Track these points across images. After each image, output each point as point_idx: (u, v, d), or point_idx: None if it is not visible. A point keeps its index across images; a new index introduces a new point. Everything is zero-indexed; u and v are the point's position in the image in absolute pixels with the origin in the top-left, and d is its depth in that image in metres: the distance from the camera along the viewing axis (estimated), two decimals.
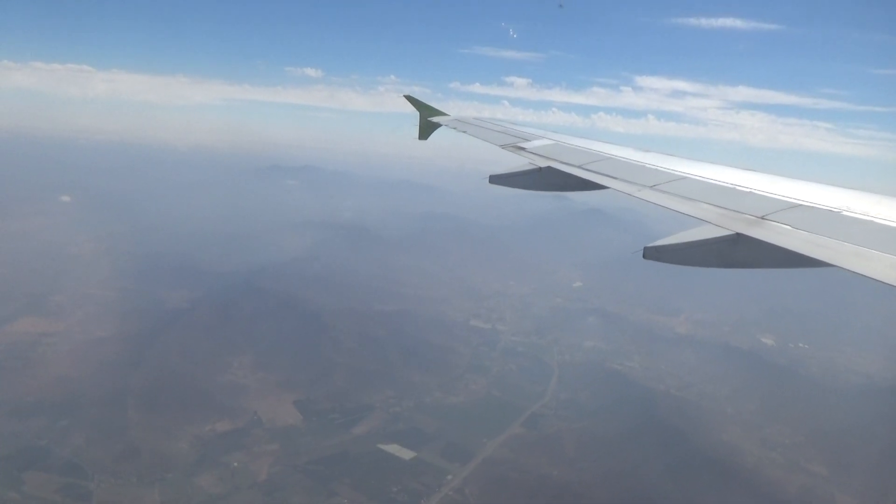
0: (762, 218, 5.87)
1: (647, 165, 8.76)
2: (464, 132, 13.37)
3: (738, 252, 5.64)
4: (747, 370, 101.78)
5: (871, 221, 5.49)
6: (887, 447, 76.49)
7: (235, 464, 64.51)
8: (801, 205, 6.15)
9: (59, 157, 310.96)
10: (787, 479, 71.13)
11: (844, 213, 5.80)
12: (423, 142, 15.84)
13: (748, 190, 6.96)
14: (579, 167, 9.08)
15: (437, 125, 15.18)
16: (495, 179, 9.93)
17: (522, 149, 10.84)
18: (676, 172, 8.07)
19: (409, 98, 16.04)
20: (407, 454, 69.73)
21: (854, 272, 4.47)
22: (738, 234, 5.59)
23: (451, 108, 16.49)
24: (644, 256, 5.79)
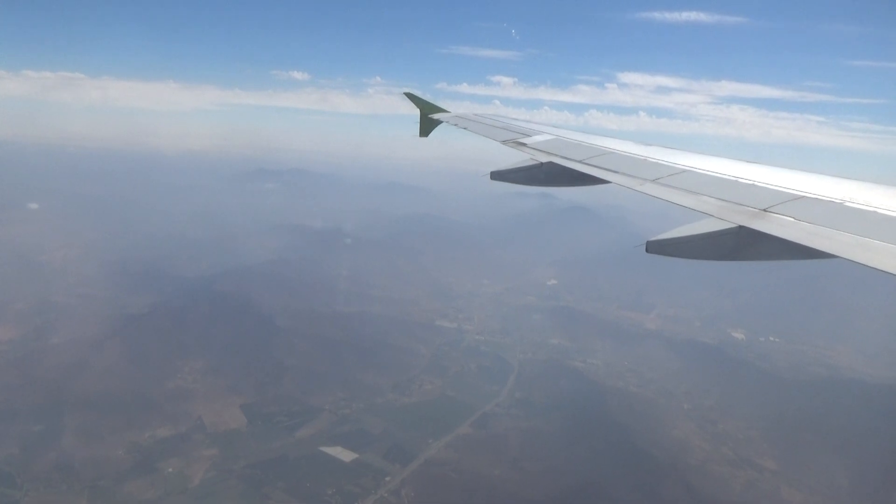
0: (765, 210, 5.85)
1: (649, 159, 8.69)
2: (465, 129, 13.39)
3: (741, 245, 5.64)
4: (711, 365, 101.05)
5: (874, 212, 5.47)
6: (840, 439, 75.85)
7: (170, 469, 63.90)
8: (803, 196, 6.13)
9: (45, 165, 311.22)
10: (733, 474, 70.38)
11: (847, 204, 5.77)
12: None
13: (750, 182, 6.93)
14: (580, 162, 9.10)
15: (438, 122, 15.15)
16: (496, 175, 10.04)
17: (523, 144, 10.84)
18: (678, 166, 8.06)
19: (410, 95, 16.00)
20: (348, 456, 69.10)
21: (857, 263, 4.48)
22: (740, 227, 5.58)
23: (445, 108, 16.45)
24: (647, 250, 5.80)
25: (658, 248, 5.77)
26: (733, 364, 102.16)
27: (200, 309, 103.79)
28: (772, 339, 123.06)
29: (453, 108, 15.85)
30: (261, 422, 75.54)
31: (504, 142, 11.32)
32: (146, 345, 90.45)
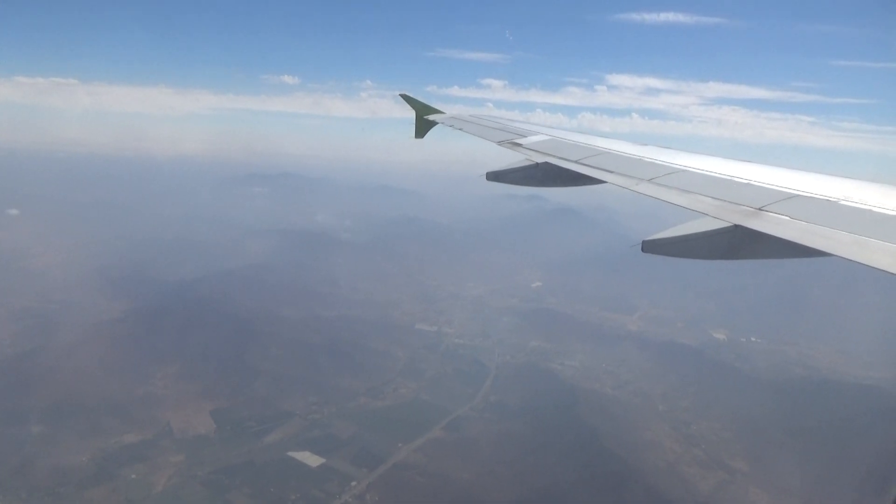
0: (760, 209, 5.85)
1: (645, 159, 8.67)
2: (460, 129, 13.33)
3: (737, 244, 5.66)
4: (689, 367, 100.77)
5: (870, 210, 5.47)
6: (814, 439, 75.64)
7: (133, 476, 63.48)
8: (798, 195, 6.13)
9: (36, 170, 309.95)
10: (703, 475, 70.15)
11: (842, 202, 5.78)
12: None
13: (746, 181, 6.95)
14: (576, 162, 9.09)
15: (434, 124, 15.04)
16: (492, 176, 10.03)
17: (519, 145, 10.78)
18: (674, 165, 8.08)
19: (405, 97, 15.80)
20: (315, 461, 68.72)
21: (853, 261, 4.47)
22: (736, 226, 5.58)
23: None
24: (642, 250, 5.79)
25: (653, 247, 5.74)
26: (712, 365, 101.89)
27: (178, 314, 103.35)
28: (754, 339, 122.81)
29: (447, 110, 15.72)
30: (230, 427, 75.12)
31: (499, 142, 11.29)
32: (120, 350, 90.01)
